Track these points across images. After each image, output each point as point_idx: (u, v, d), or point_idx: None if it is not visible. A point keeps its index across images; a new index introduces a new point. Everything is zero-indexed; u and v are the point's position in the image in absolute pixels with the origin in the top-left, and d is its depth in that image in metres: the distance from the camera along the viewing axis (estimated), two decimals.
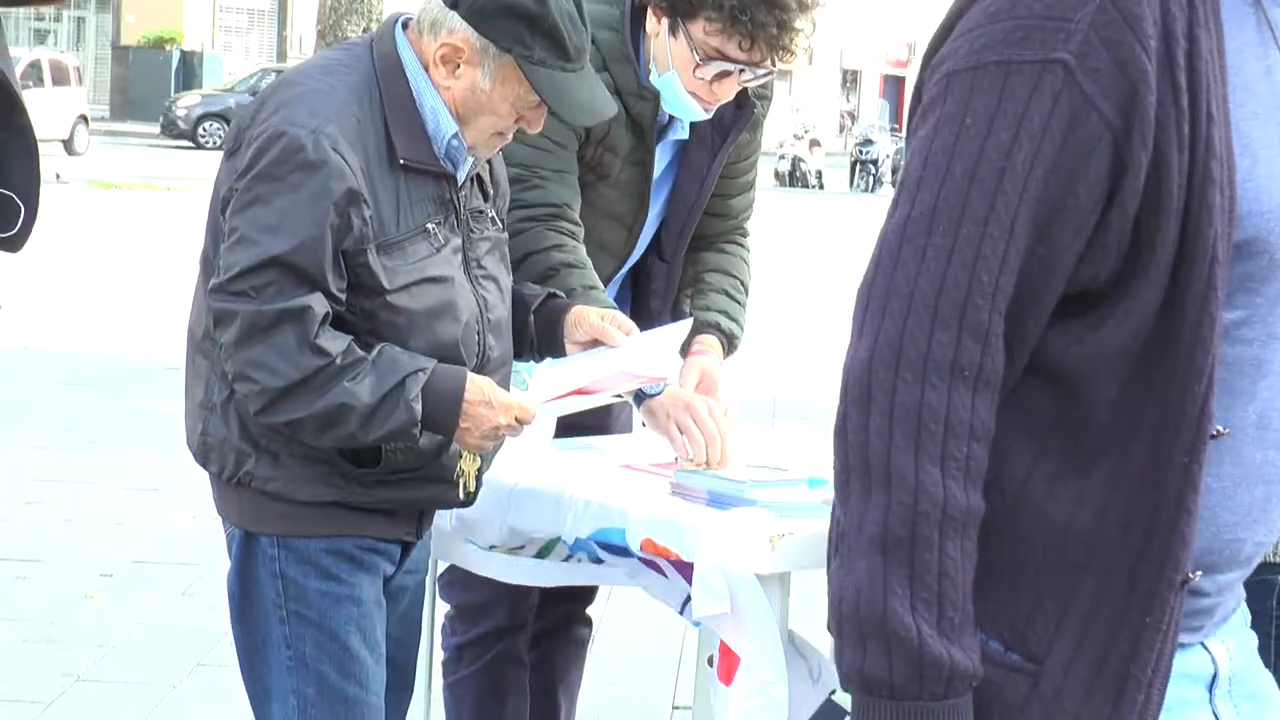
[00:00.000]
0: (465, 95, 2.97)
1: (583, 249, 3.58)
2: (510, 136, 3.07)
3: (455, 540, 3.51)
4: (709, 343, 3.73)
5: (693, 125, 3.72)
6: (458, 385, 2.94)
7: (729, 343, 3.79)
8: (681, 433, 3.41)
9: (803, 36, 3.47)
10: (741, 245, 3.96)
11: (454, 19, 2.94)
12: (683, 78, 3.52)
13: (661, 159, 3.76)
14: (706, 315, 3.79)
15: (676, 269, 3.89)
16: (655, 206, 3.81)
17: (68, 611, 5.92)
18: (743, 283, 3.91)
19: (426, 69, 2.98)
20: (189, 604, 6.00)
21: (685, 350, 3.65)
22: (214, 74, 44.88)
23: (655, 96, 3.60)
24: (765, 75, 3.56)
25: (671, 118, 3.68)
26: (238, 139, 2.94)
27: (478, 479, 3.12)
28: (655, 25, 3.54)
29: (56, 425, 8.94)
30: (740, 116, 3.76)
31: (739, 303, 3.87)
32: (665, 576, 3.29)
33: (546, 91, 2.93)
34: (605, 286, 3.63)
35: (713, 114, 3.62)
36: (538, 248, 3.52)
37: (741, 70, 3.49)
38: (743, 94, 3.69)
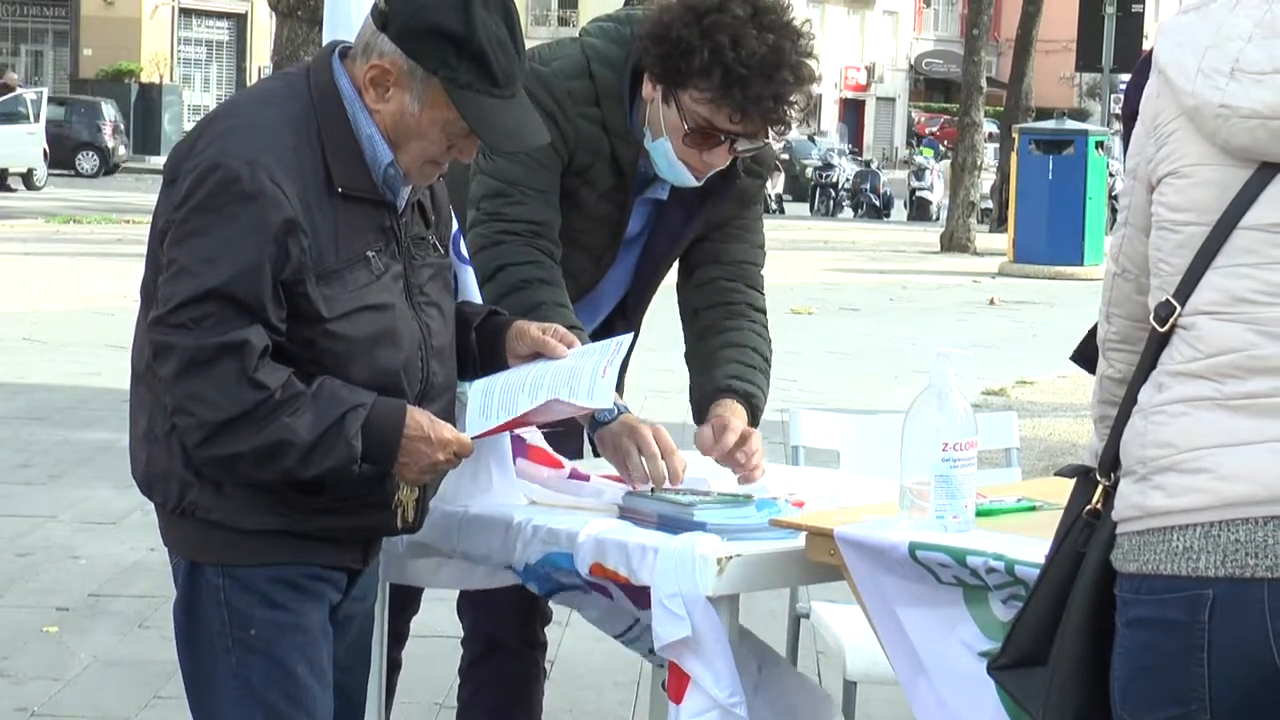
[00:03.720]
0: (396, 119, 2.96)
1: (558, 269, 3.60)
2: (445, 167, 3.06)
3: (407, 559, 3.51)
4: (727, 406, 3.65)
5: (673, 187, 3.70)
6: (397, 421, 2.94)
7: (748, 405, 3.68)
8: (626, 458, 3.40)
9: (797, 109, 3.46)
10: (754, 320, 3.82)
11: (384, 41, 2.94)
12: (674, 144, 3.53)
13: (639, 217, 3.77)
14: (719, 382, 3.68)
15: (636, 324, 3.89)
16: (628, 263, 3.83)
17: (24, 646, 5.89)
18: (757, 351, 3.77)
19: (360, 94, 2.98)
20: (146, 637, 5.98)
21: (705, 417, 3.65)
22: (173, 107, 44.80)
23: (638, 143, 3.61)
24: (759, 146, 3.56)
25: (654, 176, 3.67)
26: (175, 170, 2.93)
27: (418, 507, 3.11)
28: (650, 90, 3.54)
29: (13, 459, 8.90)
30: (724, 183, 3.71)
31: (755, 368, 3.73)
32: (611, 599, 3.30)
33: (471, 116, 2.92)
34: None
35: (704, 181, 3.61)
36: (514, 260, 3.56)
37: (733, 140, 3.50)
38: (731, 163, 3.63)
